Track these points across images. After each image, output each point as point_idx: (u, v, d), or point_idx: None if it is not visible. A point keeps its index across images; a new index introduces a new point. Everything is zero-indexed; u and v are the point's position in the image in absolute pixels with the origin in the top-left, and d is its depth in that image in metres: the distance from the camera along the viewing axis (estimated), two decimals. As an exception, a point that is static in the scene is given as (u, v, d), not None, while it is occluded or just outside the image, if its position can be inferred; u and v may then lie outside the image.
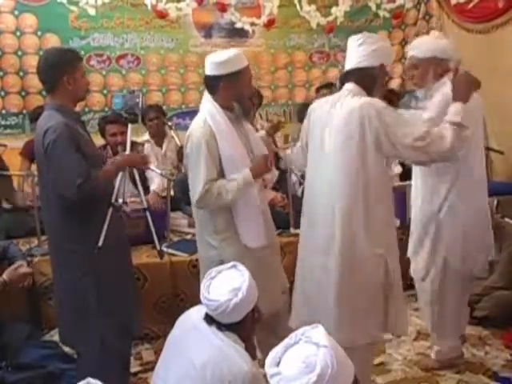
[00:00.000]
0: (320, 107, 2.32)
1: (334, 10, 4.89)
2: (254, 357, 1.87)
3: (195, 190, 2.28)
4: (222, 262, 2.25)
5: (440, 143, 2.08)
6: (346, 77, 2.26)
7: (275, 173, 2.76)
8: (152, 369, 2.07)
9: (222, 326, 1.78)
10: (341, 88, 2.27)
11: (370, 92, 2.22)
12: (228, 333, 1.78)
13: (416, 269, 2.75)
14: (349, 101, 2.17)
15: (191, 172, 2.34)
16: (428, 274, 2.66)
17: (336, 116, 2.19)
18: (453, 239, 2.57)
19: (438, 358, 2.79)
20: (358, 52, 2.21)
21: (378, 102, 2.15)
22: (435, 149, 2.09)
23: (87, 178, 2.10)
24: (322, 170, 2.24)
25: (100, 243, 2.19)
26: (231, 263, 1.89)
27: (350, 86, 2.23)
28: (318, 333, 1.21)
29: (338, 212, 2.15)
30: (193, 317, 1.88)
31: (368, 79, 2.22)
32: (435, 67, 2.54)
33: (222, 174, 2.30)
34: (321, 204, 2.24)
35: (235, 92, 2.30)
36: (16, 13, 4.57)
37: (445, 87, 2.43)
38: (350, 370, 1.20)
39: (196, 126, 2.33)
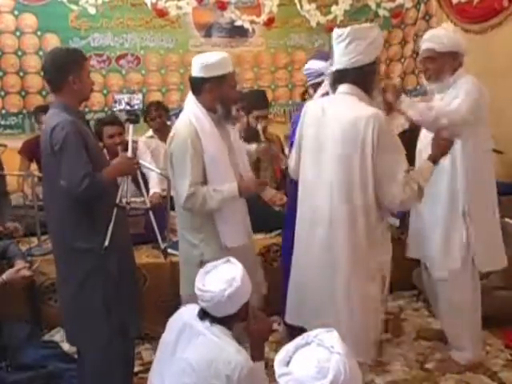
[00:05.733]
0: (314, 109, 2.23)
1: (333, 8, 4.90)
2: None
3: (181, 191, 2.30)
4: (201, 262, 2.27)
5: (401, 194, 2.03)
6: (339, 77, 2.13)
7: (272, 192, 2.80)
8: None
9: (214, 320, 1.80)
10: (334, 89, 2.17)
11: (368, 90, 2.14)
12: (219, 326, 1.80)
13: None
14: (348, 107, 2.08)
15: (176, 170, 2.34)
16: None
17: (332, 123, 2.09)
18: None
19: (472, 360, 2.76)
20: (350, 49, 2.06)
21: (385, 119, 2.05)
22: (396, 195, 2.04)
23: (93, 178, 2.11)
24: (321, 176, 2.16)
25: (106, 243, 2.19)
26: (225, 258, 1.92)
27: (346, 88, 2.11)
28: (331, 337, 1.18)
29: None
30: (184, 315, 1.90)
31: (367, 77, 2.11)
32: (452, 61, 2.52)
33: (204, 175, 2.31)
34: (320, 209, 2.17)
35: (219, 95, 2.32)
36: (16, 13, 4.57)
37: (466, 84, 2.45)
38: (360, 377, 1.19)
39: (181, 125, 2.36)
